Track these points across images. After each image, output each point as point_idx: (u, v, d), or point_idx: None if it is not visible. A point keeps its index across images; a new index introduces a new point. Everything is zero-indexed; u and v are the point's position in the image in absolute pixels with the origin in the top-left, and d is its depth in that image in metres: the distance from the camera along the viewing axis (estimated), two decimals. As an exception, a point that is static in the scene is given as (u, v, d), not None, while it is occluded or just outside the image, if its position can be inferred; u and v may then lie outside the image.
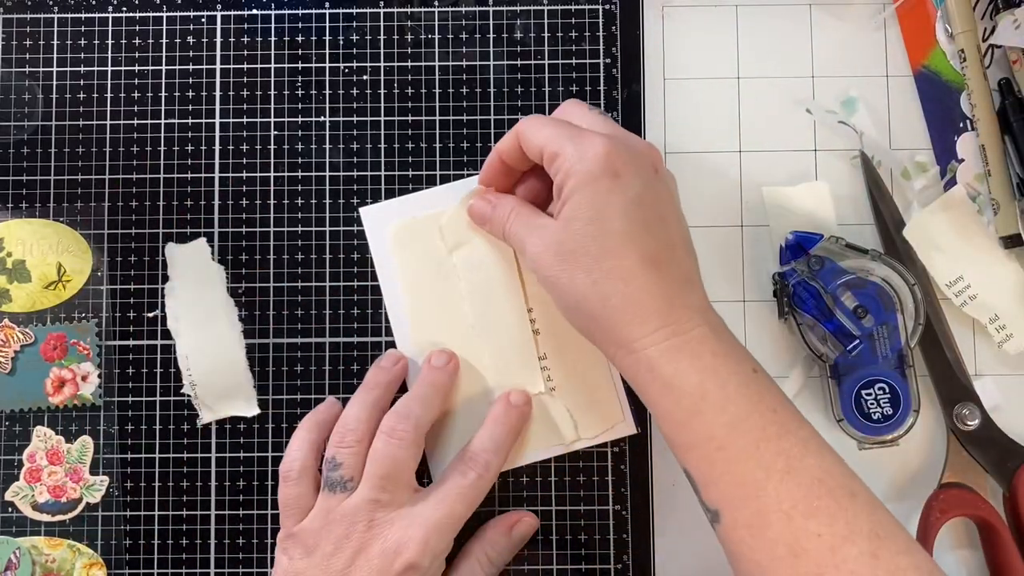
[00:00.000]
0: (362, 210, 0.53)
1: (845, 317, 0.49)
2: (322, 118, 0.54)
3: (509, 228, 0.47)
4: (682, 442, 0.43)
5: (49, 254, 0.52)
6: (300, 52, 0.54)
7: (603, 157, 0.43)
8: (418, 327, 0.52)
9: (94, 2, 0.54)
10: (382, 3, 0.54)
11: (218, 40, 0.54)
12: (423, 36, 0.54)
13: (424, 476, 0.52)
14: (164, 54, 0.54)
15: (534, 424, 0.52)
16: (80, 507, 0.52)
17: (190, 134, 0.54)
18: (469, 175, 0.53)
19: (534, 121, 0.46)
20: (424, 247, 0.52)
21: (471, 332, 0.52)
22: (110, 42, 0.54)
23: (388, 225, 0.53)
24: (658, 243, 0.43)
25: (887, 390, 0.49)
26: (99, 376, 0.52)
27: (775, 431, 0.41)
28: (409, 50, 0.54)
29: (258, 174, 0.53)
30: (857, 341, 0.49)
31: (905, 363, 0.49)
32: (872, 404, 0.49)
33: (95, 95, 0.54)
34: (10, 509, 0.52)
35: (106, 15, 0.54)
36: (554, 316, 0.52)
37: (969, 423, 0.50)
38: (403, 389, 0.52)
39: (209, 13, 0.54)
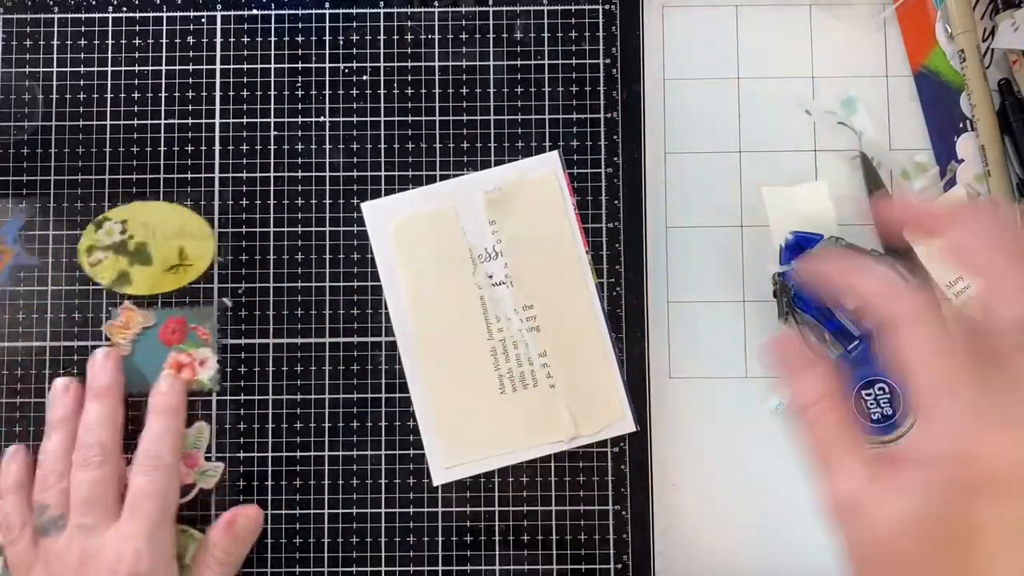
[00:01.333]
0: (364, 205, 0.53)
1: (845, 317, 0.49)
2: (322, 118, 0.54)
3: None
4: None
5: (171, 238, 0.52)
6: (300, 52, 0.54)
7: None
8: (419, 323, 0.52)
9: (94, 2, 0.54)
10: (382, 3, 0.54)
11: (218, 40, 0.54)
12: (423, 36, 0.54)
13: (425, 476, 0.52)
14: (164, 54, 0.54)
15: (533, 420, 0.52)
16: (194, 492, 0.52)
17: (190, 134, 0.54)
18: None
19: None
20: (427, 242, 0.53)
21: (473, 326, 0.52)
22: (110, 42, 0.54)
23: (390, 220, 0.53)
24: None
25: (887, 390, 0.49)
26: (217, 362, 0.52)
27: None
28: (409, 50, 0.54)
29: (258, 174, 0.53)
30: (857, 341, 0.49)
31: (905, 363, 0.49)
32: (872, 404, 0.49)
33: (95, 95, 0.54)
34: None
35: (106, 15, 0.54)
36: (555, 312, 0.52)
37: (969, 423, 0.50)
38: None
39: (209, 13, 0.54)
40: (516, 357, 0.52)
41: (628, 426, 0.52)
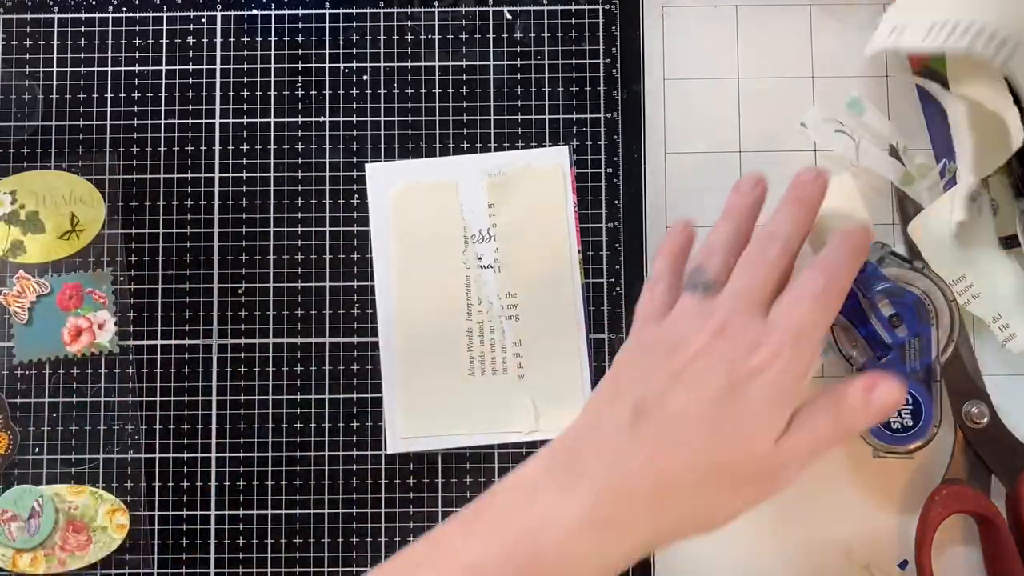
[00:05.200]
0: (368, 166, 0.53)
1: (879, 324, 0.48)
2: (322, 118, 0.54)
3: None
4: None
5: (62, 204, 0.53)
6: (300, 52, 0.54)
7: None
8: (402, 292, 0.53)
9: (94, 2, 0.54)
10: (382, 3, 0.54)
11: (218, 40, 0.54)
12: (423, 36, 0.54)
13: (425, 476, 0.52)
14: (164, 54, 0.54)
15: (496, 407, 0.52)
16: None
17: (190, 134, 0.54)
18: (469, 174, 0.53)
19: None
20: (424, 214, 0.53)
21: (454, 304, 0.52)
22: (110, 42, 0.54)
23: (391, 186, 0.53)
24: None
25: (911, 402, 0.48)
26: (115, 324, 0.52)
27: None
28: (409, 50, 0.54)
29: (258, 174, 0.53)
30: (889, 351, 0.48)
31: (932, 378, 0.48)
32: (894, 414, 0.48)
33: (95, 95, 0.54)
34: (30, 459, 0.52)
35: (106, 15, 0.54)
36: (537, 305, 0.52)
37: (978, 421, 0.50)
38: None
39: (209, 13, 0.54)
40: (491, 342, 0.52)
41: None
